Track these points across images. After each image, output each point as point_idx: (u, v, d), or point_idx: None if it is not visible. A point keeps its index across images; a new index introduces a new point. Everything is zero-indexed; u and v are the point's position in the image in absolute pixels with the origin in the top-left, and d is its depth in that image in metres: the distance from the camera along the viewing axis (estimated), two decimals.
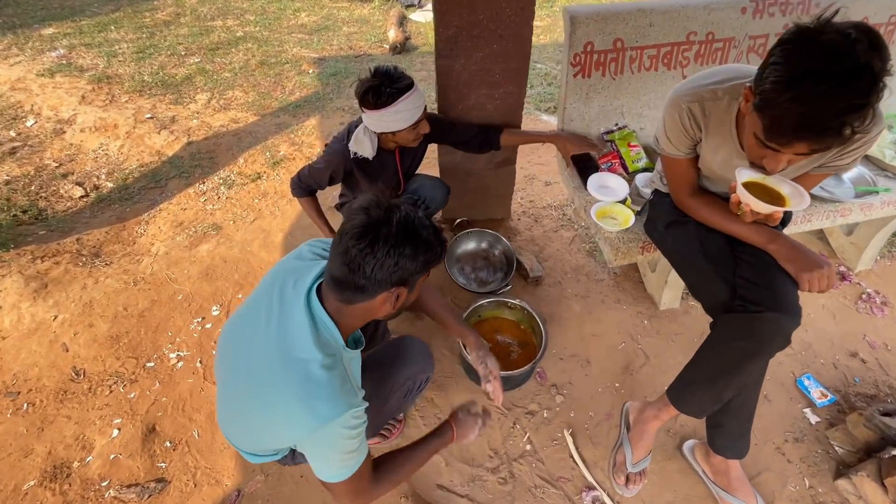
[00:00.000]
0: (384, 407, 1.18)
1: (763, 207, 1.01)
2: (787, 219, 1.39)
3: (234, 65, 3.82)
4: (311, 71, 3.70)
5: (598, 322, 1.89)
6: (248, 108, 3.25)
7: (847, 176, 1.74)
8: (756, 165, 1.03)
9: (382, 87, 1.36)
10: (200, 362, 1.72)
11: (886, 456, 1.38)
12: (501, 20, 1.56)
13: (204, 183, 2.61)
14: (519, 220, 2.36)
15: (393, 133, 1.47)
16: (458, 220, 2.13)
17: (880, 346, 1.82)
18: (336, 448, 0.86)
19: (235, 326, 0.99)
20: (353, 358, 0.96)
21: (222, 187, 2.57)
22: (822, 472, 1.47)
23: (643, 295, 2.00)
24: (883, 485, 1.32)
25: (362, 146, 1.50)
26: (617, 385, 1.69)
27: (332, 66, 3.75)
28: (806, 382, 1.69)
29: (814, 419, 1.60)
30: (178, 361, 1.72)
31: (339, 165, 1.55)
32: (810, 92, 0.75)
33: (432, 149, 1.88)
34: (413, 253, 0.83)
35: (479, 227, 2.10)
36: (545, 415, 1.61)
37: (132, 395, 1.62)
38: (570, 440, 1.53)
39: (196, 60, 3.91)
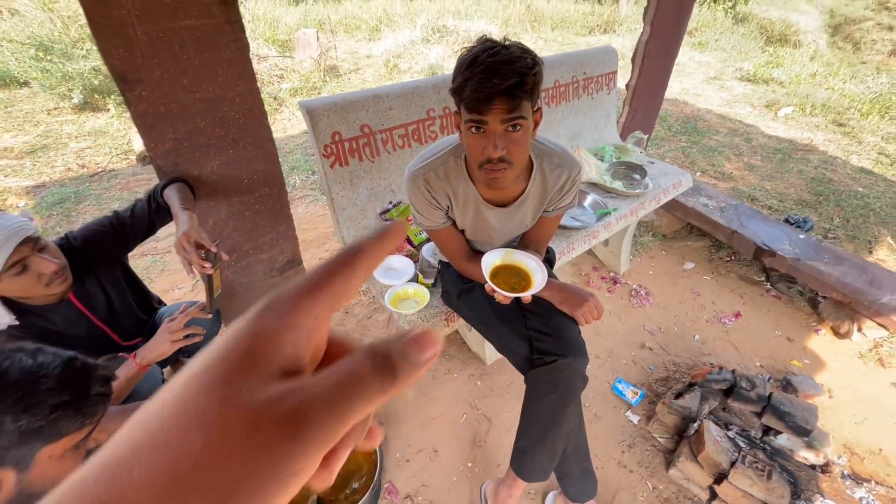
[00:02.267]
0: None
1: (508, 294, 1.04)
2: (552, 259, 1.52)
3: None
4: (22, 204, 2.89)
5: (435, 401, 1.78)
6: None
7: (587, 204, 2.06)
8: (489, 202, 1.13)
9: None
10: None
11: (691, 433, 1.56)
12: (229, 125, 1.40)
13: None
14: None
15: None
16: None
17: (657, 331, 2.16)
18: None
19: None
20: None
21: None
22: (657, 469, 1.58)
23: (469, 355, 1.98)
24: (699, 462, 1.47)
25: None
26: (470, 465, 1.57)
27: (55, 192, 3.01)
28: (620, 387, 1.86)
29: (635, 419, 1.75)
30: None
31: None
32: (483, 61, 0.89)
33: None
34: None
35: None
36: None
37: None
38: None
39: None
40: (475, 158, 1.00)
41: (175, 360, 1.64)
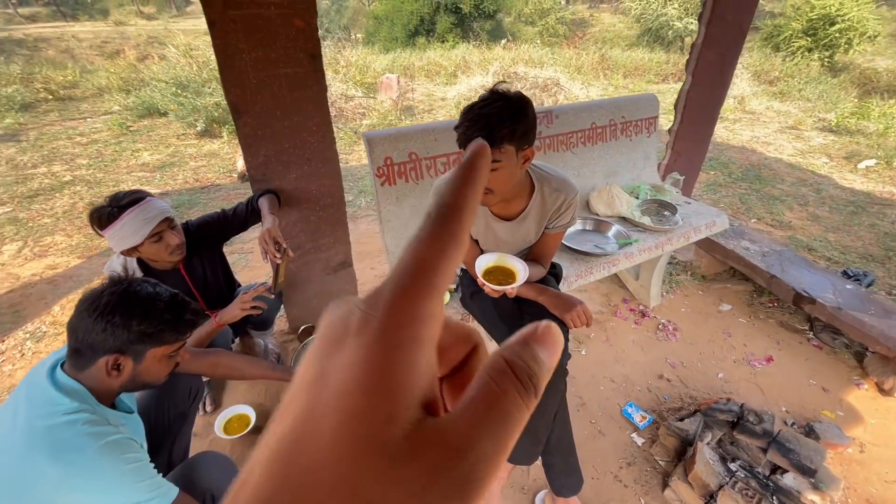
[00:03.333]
0: None
1: (495, 290, 1.26)
2: (558, 273, 1.71)
3: (56, 210, 3.56)
4: None
5: None
6: (71, 252, 2.99)
7: (611, 234, 2.21)
8: (497, 216, 1.41)
9: (104, 207, 1.39)
10: None
11: (687, 457, 1.61)
12: (306, 147, 1.80)
13: (3, 342, 2.25)
14: None
15: (135, 249, 1.45)
16: (304, 327, 2.14)
17: (679, 364, 2.19)
18: (117, 471, 0.87)
19: None
20: (127, 422, 1.01)
21: (29, 342, 2.24)
22: (653, 488, 1.64)
23: None
24: (689, 482, 1.52)
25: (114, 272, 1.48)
26: None
27: (175, 199, 3.72)
28: (629, 410, 1.93)
29: (639, 441, 1.81)
30: None
31: None
32: (475, 110, 1.14)
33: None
34: (124, 322, 0.92)
35: None
36: None
37: None
38: None
39: (6, 210, 3.56)
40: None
41: (244, 333, 2.02)
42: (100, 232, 1.41)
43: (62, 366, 0.97)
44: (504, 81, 1.23)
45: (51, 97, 7.08)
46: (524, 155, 1.22)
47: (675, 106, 2.70)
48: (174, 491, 0.96)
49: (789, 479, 1.56)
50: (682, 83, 2.67)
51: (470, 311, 1.66)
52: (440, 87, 8.32)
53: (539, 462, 1.45)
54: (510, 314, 1.46)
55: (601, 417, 1.91)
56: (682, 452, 1.67)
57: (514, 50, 10.08)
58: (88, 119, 6.13)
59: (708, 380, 2.10)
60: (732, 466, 1.55)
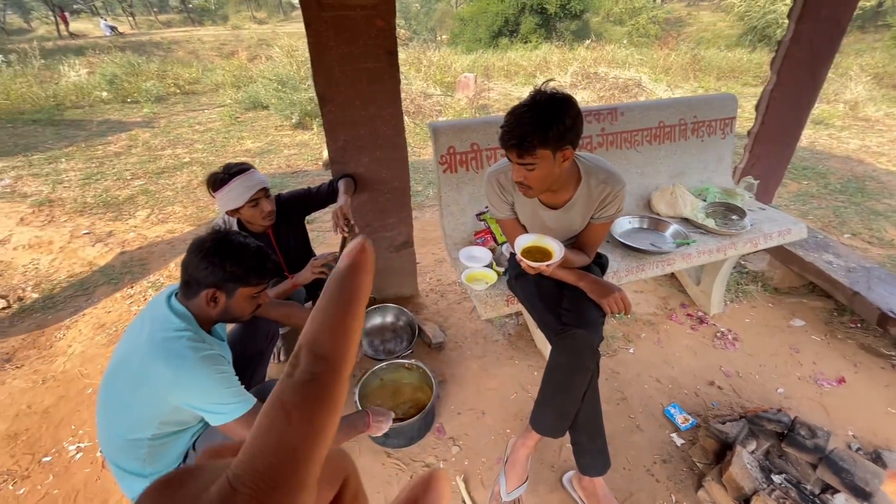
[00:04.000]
0: None
1: (531, 266, 1.35)
2: (604, 264, 1.75)
3: (176, 185, 4.21)
4: None
5: (493, 378, 2.09)
6: (186, 220, 3.54)
7: (668, 234, 2.18)
8: (544, 204, 1.49)
9: (218, 173, 1.70)
10: (101, 452, 1.73)
11: (725, 460, 1.58)
12: (379, 134, 2.01)
13: (132, 287, 2.76)
14: (427, 296, 2.63)
15: (237, 211, 1.73)
16: None
17: (734, 374, 2.11)
18: (209, 378, 1.10)
19: (119, 346, 1.24)
20: (219, 347, 1.24)
21: (150, 290, 2.73)
22: (686, 487, 1.63)
23: (533, 350, 2.24)
24: (724, 484, 1.50)
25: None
26: (508, 431, 1.84)
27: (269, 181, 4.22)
28: (672, 411, 1.91)
29: (679, 441, 1.80)
30: (76, 453, 1.72)
31: None
32: (517, 113, 1.23)
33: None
34: (221, 262, 1.15)
35: (384, 304, 2.35)
36: (441, 465, 1.71)
37: (21, 492, 1.59)
38: (461, 486, 1.63)
39: (140, 183, 4.27)
40: (512, 176, 1.37)
41: (313, 297, 2.29)
42: (212, 193, 1.73)
43: (176, 295, 1.24)
44: (551, 80, 1.32)
45: (178, 91, 8.25)
46: (563, 155, 1.28)
47: (757, 107, 2.56)
48: (254, 400, 1.18)
49: (840, 501, 1.48)
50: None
51: (514, 292, 1.76)
52: (517, 87, 8.37)
53: (569, 444, 1.51)
54: (550, 296, 1.55)
55: (641, 414, 1.91)
56: (721, 456, 1.64)
57: (598, 50, 9.80)
58: (206, 110, 7.06)
59: (765, 393, 2.01)
60: (776, 478, 1.50)
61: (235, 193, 1.71)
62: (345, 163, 2.05)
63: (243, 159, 4.87)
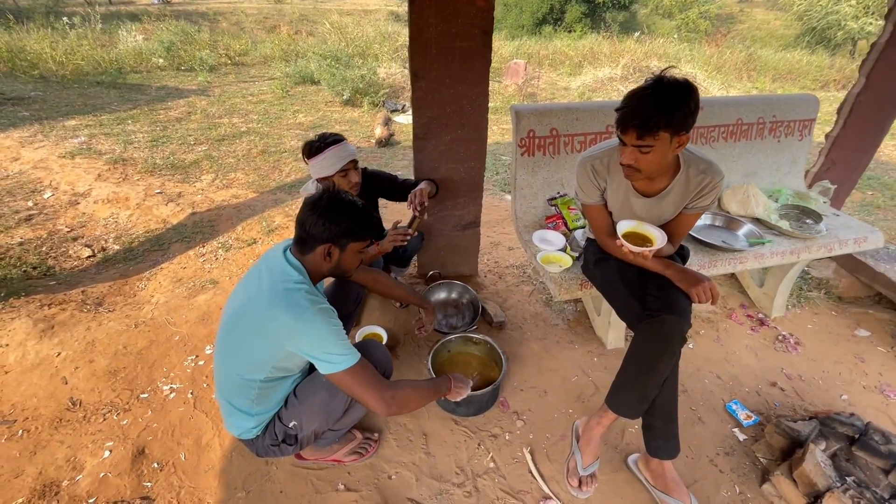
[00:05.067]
0: (349, 405, 1.40)
1: (633, 248, 1.38)
2: (685, 255, 1.77)
3: (237, 153, 4.35)
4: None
5: (554, 359, 2.14)
6: (248, 187, 3.67)
7: (741, 233, 2.17)
8: (637, 191, 1.49)
9: (314, 142, 1.80)
10: (192, 393, 1.86)
11: (795, 457, 1.61)
12: (463, 113, 2.06)
13: (204, 246, 2.90)
14: (485, 276, 2.69)
15: (327, 178, 1.82)
16: (431, 273, 2.45)
17: (796, 377, 2.11)
18: (326, 329, 1.19)
19: (236, 294, 1.35)
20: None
21: (220, 250, 2.86)
22: (750, 480, 1.66)
23: (593, 337, 2.28)
24: (794, 479, 1.53)
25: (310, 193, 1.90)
26: (570, 411, 1.90)
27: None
28: (734, 407, 1.94)
29: (741, 437, 1.82)
30: (170, 393, 1.86)
31: None
32: (638, 96, 1.25)
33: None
34: (336, 218, 1.24)
35: (450, 280, 2.42)
36: (507, 437, 1.78)
37: (125, 422, 1.73)
38: (528, 457, 1.70)
39: (203, 149, 4.43)
40: (620, 159, 1.39)
41: (386, 269, 2.38)
42: (307, 160, 1.82)
43: (290, 250, 1.32)
44: (672, 66, 1.33)
45: (229, 62, 8.43)
46: (679, 140, 1.30)
47: (839, 110, 2.49)
48: (359, 356, 1.27)
49: None
50: (845, 91, 2.45)
51: (590, 277, 1.80)
52: (563, 77, 8.24)
53: (633, 427, 1.56)
54: (634, 281, 1.58)
55: (702, 407, 1.94)
56: (789, 453, 1.67)
57: (648, 44, 9.54)
58: (256, 82, 7.21)
59: (829, 398, 2.01)
60: (849, 480, 1.52)
61: (329, 162, 1.79)
62: (426, 139, 2.10)
63: (298, 132, 4.99)
